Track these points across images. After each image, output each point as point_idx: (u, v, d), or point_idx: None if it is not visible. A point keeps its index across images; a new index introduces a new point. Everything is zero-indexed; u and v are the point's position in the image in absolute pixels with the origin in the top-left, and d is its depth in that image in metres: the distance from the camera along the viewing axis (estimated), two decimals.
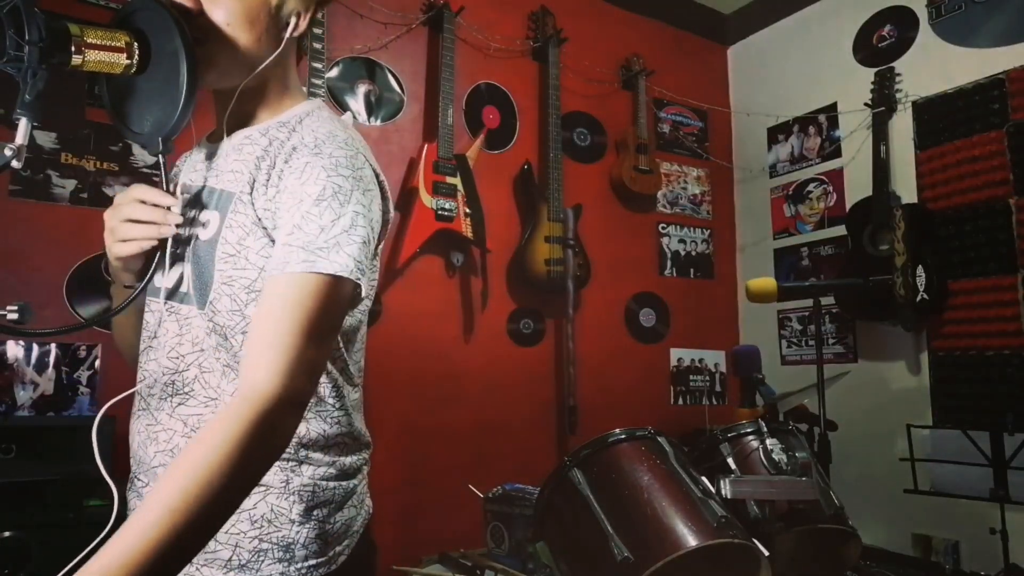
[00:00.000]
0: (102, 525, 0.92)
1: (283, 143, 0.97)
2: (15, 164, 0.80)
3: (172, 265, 0.99)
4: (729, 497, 1.52)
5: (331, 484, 0.99)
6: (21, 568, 1.70)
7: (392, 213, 1.07)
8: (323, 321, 0.88)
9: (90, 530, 0.89)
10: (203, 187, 1.01)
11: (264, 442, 0.80)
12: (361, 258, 0.91)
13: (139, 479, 1.00)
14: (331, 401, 1.00)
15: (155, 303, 1.01)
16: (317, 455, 0.98)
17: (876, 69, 3.30)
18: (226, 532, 0.92)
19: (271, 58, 0.98)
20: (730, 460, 1.68)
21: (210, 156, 1.03)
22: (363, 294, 0.95)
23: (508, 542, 2.18)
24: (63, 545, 0.86)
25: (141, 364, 1.02)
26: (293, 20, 1.00)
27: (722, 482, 1.54)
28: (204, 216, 0.98)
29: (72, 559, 0.87)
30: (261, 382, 0.82)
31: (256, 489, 0.86)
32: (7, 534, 1.70)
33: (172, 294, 0.99)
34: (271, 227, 0.93)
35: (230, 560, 0.92)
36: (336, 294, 0.89)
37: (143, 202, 0.95)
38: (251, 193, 0.95)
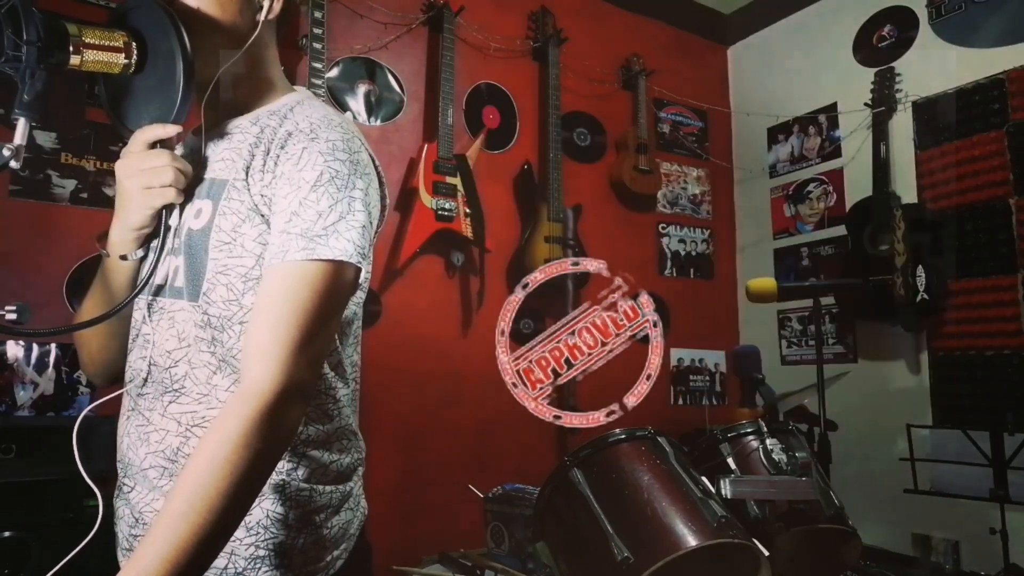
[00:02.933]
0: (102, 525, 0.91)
1: (275, 130, 0.95)
2: (14, 164, 0.80)
3: (162, 260, 0.98)
4: (729, 497, 1.52)
5: (328, 488, 0.96)
6: (21, 568, 1.70)
7: (388, 199, 1.06)
8: (324, 308, 0.87)
9: (90, 530, 0.88)
10: (192, 178, 0.98)
11: (267, 437, 0.80)
12: (362, 243, 0.91)
13: (126, 484, 0.97)
14: (324, 396, 0.98)
15: (141, 300, 0.99)
16: (315, 452, 0.95)
17: (876, 69, 3.30)
18: None
19: (248, 42, 0.97)
20: (730, 460, 1.68)
21: (196, 149, 1.01)
22: (362, 278, 0.95)
23: (508, 542, 2.17)
24: (63, 545, 0.86)
25: (129, 363, 0.99)
26: (267, 3, 0.99)
27: (722, 482, 1.53)
28: (195, 206, 0.96)
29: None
30: (259, 377, 0.82)
31: None
32: (7, 534, 1.70)
33: (160, 290, 0.97)
34: (268, 213, 0.92)
35: (225, 568, 0.90)
36: (337, 280, 0.89)
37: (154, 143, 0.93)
38: (246, 179, 0.93)
